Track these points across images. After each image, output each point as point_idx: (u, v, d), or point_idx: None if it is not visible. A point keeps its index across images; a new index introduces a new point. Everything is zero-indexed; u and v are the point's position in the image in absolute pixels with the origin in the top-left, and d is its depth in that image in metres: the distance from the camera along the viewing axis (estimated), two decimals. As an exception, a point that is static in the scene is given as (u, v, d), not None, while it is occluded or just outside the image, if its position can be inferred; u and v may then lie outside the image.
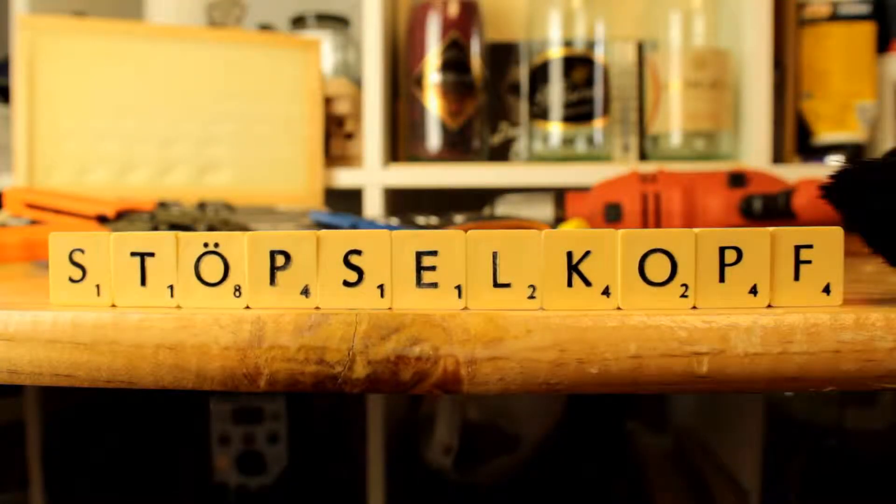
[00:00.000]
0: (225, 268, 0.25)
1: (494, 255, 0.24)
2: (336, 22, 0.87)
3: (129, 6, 0.97)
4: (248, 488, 0.82)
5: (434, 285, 0.24)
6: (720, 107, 0.78)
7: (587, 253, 0.24)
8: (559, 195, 0.61)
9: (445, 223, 0.55)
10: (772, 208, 0.54)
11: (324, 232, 0.24)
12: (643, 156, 0.83)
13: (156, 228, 0.52)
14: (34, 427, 0.79)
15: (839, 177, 0.26)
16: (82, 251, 0.26)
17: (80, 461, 0.84)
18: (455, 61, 0.79)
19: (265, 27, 0.88)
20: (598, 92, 0.79)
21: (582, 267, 0.24)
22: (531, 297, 0.24)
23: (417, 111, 0.80)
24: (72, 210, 0.53)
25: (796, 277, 0.24)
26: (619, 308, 0.24)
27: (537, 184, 0.75)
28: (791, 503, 0.78)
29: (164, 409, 0.86)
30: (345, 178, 0.78)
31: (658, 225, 0.57)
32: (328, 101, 0.78)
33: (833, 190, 0.26)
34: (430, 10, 0.79)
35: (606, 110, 0.80)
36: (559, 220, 0.60)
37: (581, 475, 0.83)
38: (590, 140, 0.79)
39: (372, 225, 0.62)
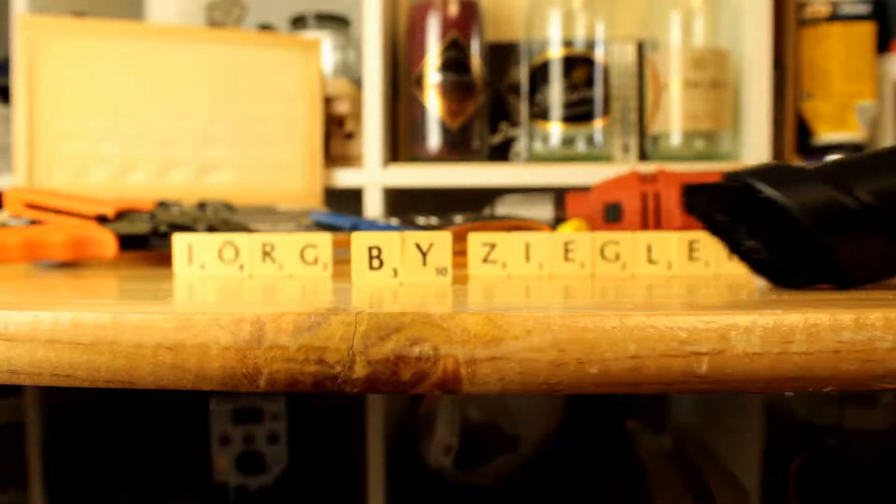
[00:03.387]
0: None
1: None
2: (336, 22, 0.87)
3: (129, 6, 0.97)
4: (248, 488, 0.82)
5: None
6: (720, 107, 0.78)
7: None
8: (559, 195, 0.61)
9: (445, 223, 0.55)
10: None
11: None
12: (643, 156, 0.83)
13: (156, 228, 0.52)
14: (34, 427, 0.79)
15: (690, 193, 0.31)
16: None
17: (80, 461, 0.84)
18: (455, 61, 0.79)
19: (265, 27, 0.88)
20: (598, 92, 0.79)
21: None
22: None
23: (417, 111, 0.80)
24: (72, 210, 0.53)
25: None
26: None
27: (537, 184, 0.75)
28: (791, 503, 0.77)
29: (164, 409, 0.86)
30: (345, 178, 0.78)
31: (658, 224, 0.57)
32: (328, 101, 0.78)
33: (687, 204, 0.31)
34: (430, 10, 0.79)
35: (606, 110, 0.80)
36: (559, 220, 0.60)
37: (581, 475, 0.83)
38: (590, 140, 0.79)
39: (372, 225, 0.62)
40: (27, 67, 0.69)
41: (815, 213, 0.28)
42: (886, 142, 0.80)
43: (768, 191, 0.28)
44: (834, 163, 0.30)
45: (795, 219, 0.28)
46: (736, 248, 0.31)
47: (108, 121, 0.71)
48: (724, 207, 0.30)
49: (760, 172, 0.29)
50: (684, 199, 0.31)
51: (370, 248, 0.36)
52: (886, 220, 0.28)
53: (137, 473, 0.85)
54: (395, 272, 0.36)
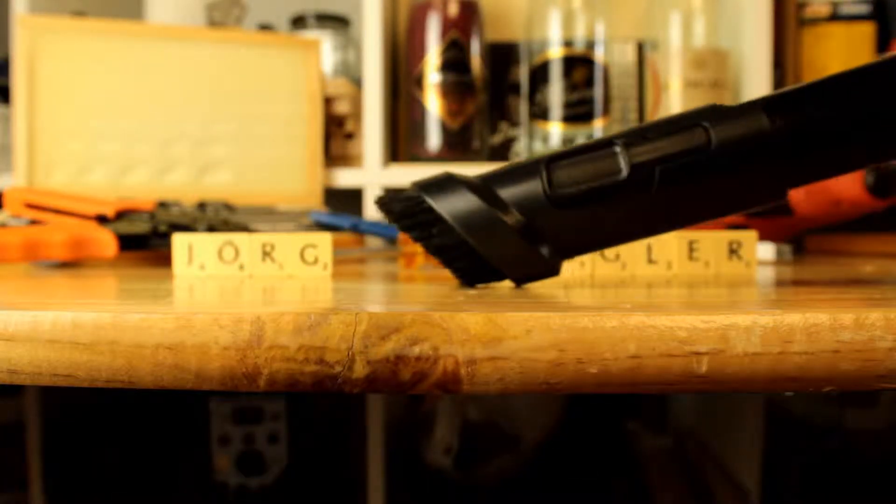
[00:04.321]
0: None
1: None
2: (336, 22, 0.87)
3: (129, 6, 0.97)
4: (248, 488, 0.82)
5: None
6: (720, 107, 0.78)
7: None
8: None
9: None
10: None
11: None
12: (643, 156, 0.83)
13: (156, 228, 0.52)
14: (34, 427, 0.79)
15: (382, 203, 0.33)
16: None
17: (80, 461, 0.84)
18: (455, 61, 0.79)
19: (265, 27, 0.88)
20: (598, 92, 0.79)
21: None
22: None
23: (417, 111, 0.80)
24: (72, 210, 0.53)
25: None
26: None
27: (537, 184, 0.75)
28: (791, 503, 0.77)
29: (164, 409, 0.86)
30: (345, 178, 0.78)
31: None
32: (328, 101, 0.78)
33: (385, 214, 0.33)
34: (430, 10, 0.79)
35: (606, 110, 0.80)
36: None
37: (581, 475, 0.83)
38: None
39: (372, 226, 0.62)
40: (27, 67, 0.69)
41: (463, 219, 0.31)
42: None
43: (429, 200, 0.31)
44: (487, 173, 0.32)
45: (451, 225, 0.31)
46: (429, 251, 0.33)
47: (108, 121, 0.71)
48: (411, 215, 0.32)
49: (428, 184, 0.32)
50: (381, 210, 0.33)
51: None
52: (525, 223, 0.31)
53: (137, 473, 0.85)
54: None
